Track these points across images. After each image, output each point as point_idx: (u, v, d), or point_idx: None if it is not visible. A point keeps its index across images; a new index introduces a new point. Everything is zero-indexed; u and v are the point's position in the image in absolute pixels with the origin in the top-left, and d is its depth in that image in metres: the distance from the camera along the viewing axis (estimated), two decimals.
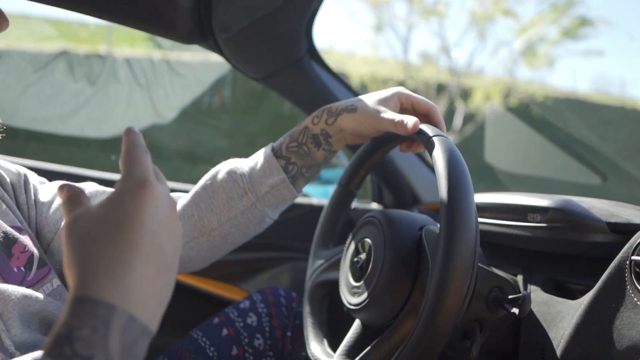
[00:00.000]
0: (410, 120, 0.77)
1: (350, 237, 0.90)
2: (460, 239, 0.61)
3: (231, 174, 0.87)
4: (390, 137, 0.88)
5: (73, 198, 0.48)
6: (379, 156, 0.94)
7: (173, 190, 0.96)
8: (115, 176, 1.38)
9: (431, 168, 1.41)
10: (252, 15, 1.02)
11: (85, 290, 0.40)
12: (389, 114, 0.81)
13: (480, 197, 0.97)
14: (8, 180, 0.78)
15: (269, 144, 0.91)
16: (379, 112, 0.82)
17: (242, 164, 0.88)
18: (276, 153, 0.88)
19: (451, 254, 0.60)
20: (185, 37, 1.12)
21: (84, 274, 0.41)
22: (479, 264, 0.71)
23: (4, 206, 0.74)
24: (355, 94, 1.28)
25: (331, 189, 2.11)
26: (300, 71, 1.20)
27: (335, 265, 0.94)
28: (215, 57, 1.21)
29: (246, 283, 1.42)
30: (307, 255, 1.47)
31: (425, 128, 0.75)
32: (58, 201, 0.83)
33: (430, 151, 0.71)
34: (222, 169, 0.88)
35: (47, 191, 0.84)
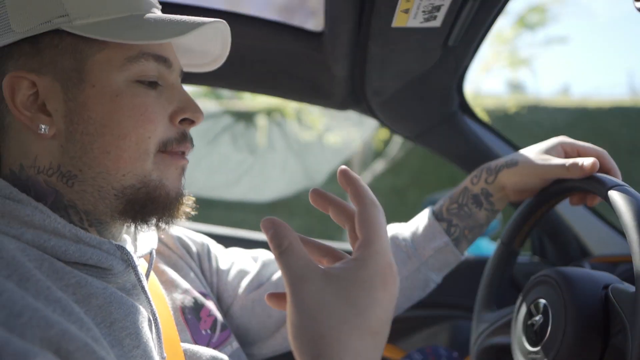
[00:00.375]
0: (586, 160, 0.73)
1: (520, 297, 0.84)
2: None
3: (393, 239, 0.88)
4: (557, 191, 0.83)
5: (278, 234, 0.44)
6: (544, 211, 0.89)
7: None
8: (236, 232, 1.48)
9: (600, 217, 1.27)
10: (405, 78, 1.06)
11: None
12: (557, 160, 0.77)
13: None
14: (195, 250, 0.87)
15: (428, 208, 0.91)
16: (544, 160, 0.79)
17: (402, 229, 0.89)
18: (437, 216, 0.87)
19: None
20: (340, 104, 1.19)
21: (319, 352, 0.40)
22: None
23: (192, 274, 0.82)
24: (514, 146, 1.23)
25: (483, 243, 2.00)
26: (453, 127, 1.20)
27: (503, 328, 0.88)
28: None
29: (403, 341, 1.39)
30: (464, 313, 1.41)
31: (600, 177, 0.69)
32: (235, 268, 0.90)
33: (612, 202, 0.65)
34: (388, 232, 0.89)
35: (226, 259, 0.92)
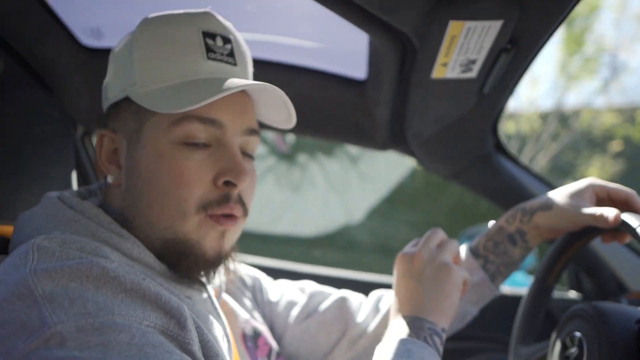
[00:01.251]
0: (610, 212, 0.78)
1: (556, 330, 0.88)
2: None
3: None
4: (590, 229, 0.87)
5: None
6: (578, 248, 0.92)
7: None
8: (323, 270, 1.55)
9: (637, 253, 1.29)
10: (443, 122, 1.13)
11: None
12: (587, 209, 0.82)
13: None
14: (249, 282, 0.95)
15: (465, 244, 0.96)
16: (576, 207, 0.84)
17: None
18: (474, 253, 0.92)
19: None
20: (382, 145, 1.27)
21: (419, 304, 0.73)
22: None
23: (249, 304, 0.90)
24: (548, 184, 1.27)
25: (519, 277, 2.01)
26: (488, 166, 1.26)
27: None
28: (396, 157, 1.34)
29: None
30: (500, 346, 1.42)
31: (629, 217, 0.74)
32: (285, 300, 0.97)
33: None
34: None
35: (275, 291, 0.99)
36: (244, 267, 0.97)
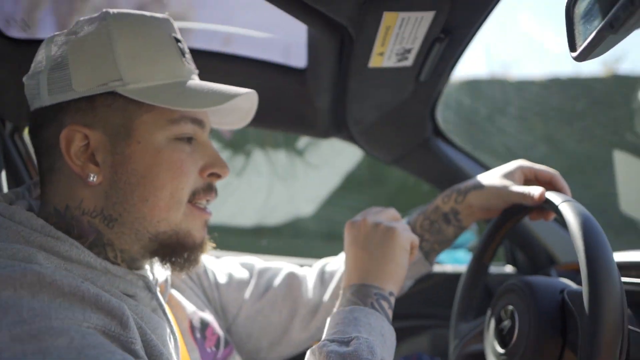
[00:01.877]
0: (536, 190, 0.84)
1: (491, 305, 0.93)
2: (605, 300, 0.63)
3: None
4: (520, 209, 0.92)
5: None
6: (509, 227, 0.97)
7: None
8: (266, 258, 1.55)
9: (565, 228, 1.37)
10: (382, 109, 1.16)
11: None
12: (516, 187, 0.88)
13: (624, 256, 0.95)
14: (195, 274, 0.94)
15: (404, 220, 0.99)
16: (506, 186, 0.89)
17: None
18: (412, 230, 0.96)
19: (598, 316, 0.63)
20: (324, 133, 1.29)
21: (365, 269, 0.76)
22: (632, 327, 0.70)
23: (194, 295, 0.89)
24: (483, 166, 1.33)
25: (460, 254, 2.09)
26: (428, 151, 1.30)
27: (478, 336, 0.96)
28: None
29: None
30: (444, 322, 1.48)
31: (552, 196, 0.79)
32: (234, 281, 0.97)
33: (562, 217, 0.74)
34: None
35: (222, 272, 0.99)
36: None
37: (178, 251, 0.72)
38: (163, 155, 0.69)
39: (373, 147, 1.31)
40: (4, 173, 1.03)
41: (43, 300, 0.52)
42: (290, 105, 1.23)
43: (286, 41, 1.17)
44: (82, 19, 0.71)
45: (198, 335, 0.81)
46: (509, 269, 1.52)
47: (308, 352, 0.66)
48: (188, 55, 0.74)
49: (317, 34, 0.95)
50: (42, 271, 0.53)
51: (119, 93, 0.67)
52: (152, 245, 0.70)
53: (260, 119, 1.30)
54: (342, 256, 1.01)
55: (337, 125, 1.27)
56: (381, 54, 0.90)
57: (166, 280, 0.80)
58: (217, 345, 0.84)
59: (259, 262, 1.03)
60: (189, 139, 0.72)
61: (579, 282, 1.01)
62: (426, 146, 1.29)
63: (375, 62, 0.92)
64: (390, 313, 0.74)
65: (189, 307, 0.84)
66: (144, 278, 0.70)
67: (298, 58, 1.15)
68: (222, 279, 0.98)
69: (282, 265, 1.03)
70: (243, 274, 0.99)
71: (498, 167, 0.95)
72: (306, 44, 1.08)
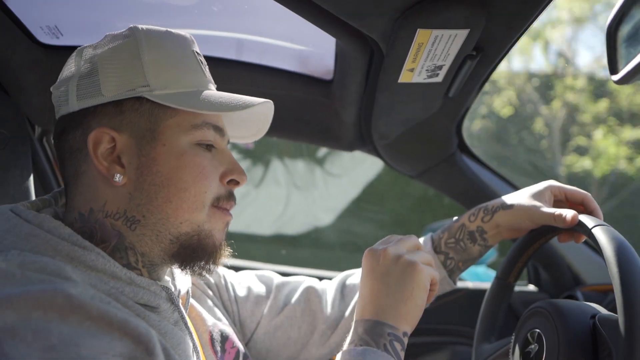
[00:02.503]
0: (568, 213, 0.82)
1: (517, 328, 0.91)
2: None
3: None
4: (549, 229, 0.90)
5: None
6: (536, 248, 0.95)
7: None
8: (285, 268, 1.55)
9: (592, 248, 1.35)
10: (408, 124, 1.15)
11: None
12: (546, 208, 0.86)
13: None
14: (213, 281, 0.94)
15: (428, 236, 0.98)
16: (535, 206, 0.87)
17: None
18: (435, 248, 0.95)
19: (635, 348, 0.61)
20: (348, 145, 1.28)
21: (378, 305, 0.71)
22: None
23: (215, 307, 0.89)
24: (510, 183, 1.31)
25: (480, 270, 2.07)
26: (453, 166, 1.29)
27: (502, 357, 0.94)
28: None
29: None
30: (465, 339, 1.47)
31: (585, 219, 0.77)
32: (253, 295, 0.97)
33: (595, 241, 0.73)
34: None
35: (241, 286, 0.98)
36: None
37: (198, 254, 0.72)
38: (186, 159, 0.71)
39: (397, 161, 1.30)
40: (32, 177, 1.04)
41: (72, 324, 0.52)
42: (315, 117, 1.23)
43: (314, 52, 1.17)
44: (111, 33, 0.74)
45: (218, 348, 0.80)
46: (531, 287, 1.49)
47: None
48: (207, 69, 0.78)
49: (346, 48, 0.94)
50: (71, 293, 0.54)
51: (146, 98, 0.70)
52: (172, 247, 0.71)
53: (285, 130, 1.31)
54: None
55: (361, 139, 1.26)
56: (411, 70, 0.89)
57: (187, 292, 0.80)
58: (236, 359, 0.83)
59: (277, 276, 1.03)
60: (209, 146, 0.74)
61: (607, 306, 0.99)
62: (451, 161, 1.28)
63: (404, 77, 0.92)
64: (402, 355, 0.71)
65: (209, 319, 0.83)
66: (167, 289, 0.71)
67: (325, 70, 1.15)
68: (241, 293, 0.97)
69: (301, 279, 1.02)
70: (261, 288, 0.99)
71: (527, 187, 0.93)
72: (334, 56, 1.08)
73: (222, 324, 0.85)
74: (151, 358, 0.56)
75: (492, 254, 1.81)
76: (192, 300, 0.84)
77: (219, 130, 0.75)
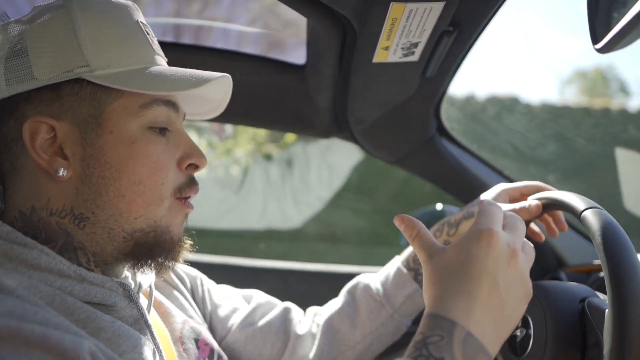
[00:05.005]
0: (531, 203, 0.85)
1: None
2: (632, 319, 0.59)
3: (367, 289, 0.94)
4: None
5: (409, 225, 0.62)
6: None
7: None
8: (267, 263, 1.51)
9: (575, 229, 1.34)
10: (385, 107, 1.11)
11: (437, 309, 0.54)
12: (508, 206, 0.87)
13: None
14: (188, 281, 0.90)
15: (395, 257, 0.98)
16: None
17: (374, 279, 0.96)
18: (405, 266, 0.94)
19: (624, 335, 0.59)
20: (324, 132, 1.24)
21: (438, 297, 0.55)
22: None
23: (187, 304, 0.85)
24: (490, 166, 1.29)
25: None
26: (432, 150, 1.25)
27: None
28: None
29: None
30: None
31: (576, 201, 0.75)
32: (228, 304, 0.94)
33: (586, 225, 0.70)
34: (358, 285, 0.96)
35: (218, 294, 0.95)
36: (181, 265, 0.92)
37: (154, 251, 0.66)
38: (138, 147, 0.64)
39: (375, 147, 1.26)
40: None
41: None
42: (288, 104, 1.18)
43: (284, 36, 1.13)
44: (40, 4, 0.66)
45: (190, 345, 0.76)
46: None
47: None
48: (156, 41, 0.70)
49: (317, 28, 0.90)
50: None
51: (85, 80, 0.62)
52: (126, 246, 0.65)
53: (257, 118, 1.26)
54: (332, 303, 0.98)
55: (337, 125, 1.22)
56: (386, 48, 0.85)
57: (150, 287, 0.74)
58: (211, 357, 0.79)
59: (261, 296, 1.00)
60: (163, 130, 0.67)
61: (592, 286, 0.98)
62: (431, 145, 1.24)
63: (379, 57, 0.88)
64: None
65: (180, 315, 0.79)
66: (124, 286, 0.65)
67: (297, 54, 1.10)
68: (216, 299, 0.94)
69: (281, 303, 0.99)
70: (239, 302, 0.96)
71: (482, 194, 0.96)
72: (306, 38, 1.03)
73: (193, 322, 0.81)
74: None
75: None
76: (161, 297, 0.79)
77: (172, 105, 0.68)
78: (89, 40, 0.62)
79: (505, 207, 0.86)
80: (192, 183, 0.70)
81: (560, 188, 0.89)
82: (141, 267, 0.67)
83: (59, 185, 0.63)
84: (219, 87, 0.74)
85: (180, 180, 0.68)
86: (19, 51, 0.62)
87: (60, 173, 0.62)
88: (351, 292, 0.96)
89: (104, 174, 0.63)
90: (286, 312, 0.95)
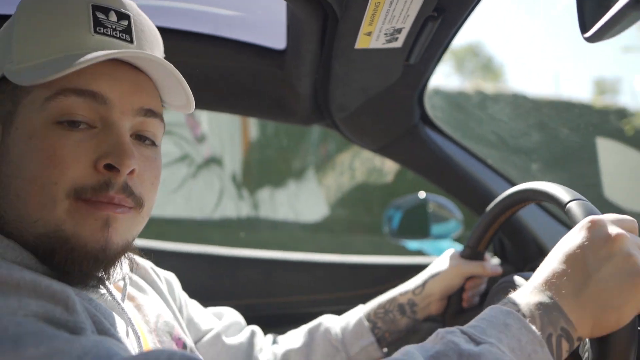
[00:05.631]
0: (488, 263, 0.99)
1: (486, 304, 0.88)
2: None
3: (326, 333, 0.97)
4: (519, 199, 0.87)
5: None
6: (507, 217, 0.94)
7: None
8: (248, 252, 1.48)
9: (556, 218, 1.34)
10: (368, 94, 1.08)
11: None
12: (470, 263, 0.99)
13: None
14: (165, 282, 0.88)
15: (359, 306, 1.02)
16: (459, 263, 0.99)
17: (335, 323, 0.99)
18: (367, 317, 0.98)
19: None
20: (305, 119, 1.21)
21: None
22: None
23: (161, 300, 0.83)
24: (473, 155, 1.27)
25: (445, 244, 2.06)
26: (415, 138, 1.23)
27: None
28: None
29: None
30: (433, 315, 1.44)
31: (560, 192, 0.74)
32: (200, 317, 0.93)
33: (570, 216, 0.69)
34: (320, 327, 0.99)
35: (191, 305, 0.94)
36: (156, 267, 0.90)
37: (67, 263, 0.58)
38: (34, 142, 0.58)
39: (357, 134, 1.23)
40: None
41: None
42: (268, 90, 1.14)
43: (264, 20, 1.08)
44: None
45: (164, 338, 0.74)
46: (496, 260, 1.47)
47: (434, 333, 0.57)
48: (109, 26, 0.62)
49: (297, 12, 0.86)
50: None
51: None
52: (41, 254, 0.58)
53: (236, 105, 1.22)
54: (292, 337, 1.00)
55: (319, 112, 1.18)
56: (369, 33, 0.82)
57: (124, 280, 0.72)
58: (183, 349, 0.78)
59: (231, 312, 1.01)
60: (74, 123, 0.59)
61: None
62: (414, 134, 1.22)
63: (362, 42, 0.84)
64: None
65: (154, 309, 0.77)
66: (96, 277, 0.64)
67: (276, 38, 1.06)
68: (190, 308, 0.93)
69: (248, 326, 1.01)
70: (210, 316, 0.97)
71: (445, 253, 1.04)
72: (286, 23, 0.99)
73: (167, 317, 0.79)
74: (72, 316, 0.51)
75: (456, 227, 1.79)
76: (134, 291, 0.77)
77: (92, 95, 0.59)
78: (19, 34, 0.61)
79: (470, 263, 1.00)
80: (101, 188, 0.59)
81: (543, 178, 0.88)
82: (59, 276, 0.59)
83: None
84: (168, 76, 0.64)
85: (85, 182, 0.58)
86: None
87: None
88: (311, 333, 0.99)
89: (7, 172, 0.60)
90: (252, 335, 0.97)
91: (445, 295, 0.99)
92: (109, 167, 0.59)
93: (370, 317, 0.98)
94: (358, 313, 1.00)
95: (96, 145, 0.59)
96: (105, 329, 0.56)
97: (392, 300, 0.99)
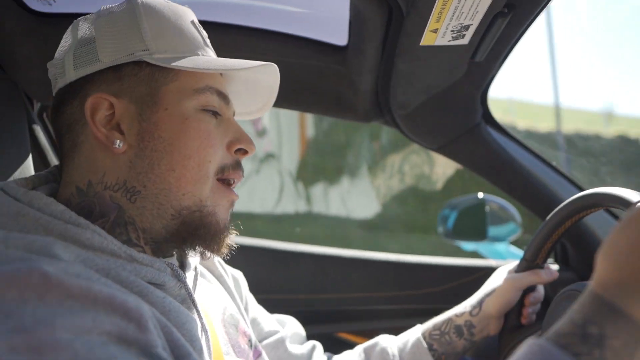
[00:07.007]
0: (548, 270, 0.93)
1: (547, 313, 0.85)
2: None
3: (383, 353, 0.96)
4: (581, 207, 0.83)
5: None
6: (567, 227, 0.89)
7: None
8: (303, 247, 1.49)
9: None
10: (430, 92, 1.06)
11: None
12: (522, 274, 0.93)
13: None
14: (232, 278, 0.91)
15: (417, 326, 0.99)
16: (513, 277, 0.94)
17: (392, 343, 0.98)
18: (425, 338, 0.96)
19: None
20: (365, 117, 1.20)
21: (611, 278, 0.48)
22: None
23: (227, 293, 0.86)
24: (537, 155, 1.22)
25: (501, 247, 1.99)
26: (477, 138, 1.20)
27: None
28: None
29: None
30: None
31: (627, 193, 0.71)
32: (264, 319, 0.95)
33: None
34: (376, 347, 0.98)
35: (256, 305, 0.96)
36: (224, 264, 0.92)
37: (200, 232, 0.68)
38: (191, 124, 0.67)
39: (417, 133, 1.21)
40: (30, 157, 0.98)
41: (51, 303, 0.48)
42: (328, 86, 1.14)
43: (326, 16, 1.08)
44: (106, 6, 0.72)
45: (231, 330, 0.77)
46: (555, 267, 1.41)
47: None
48: (208, 41, 0.76)
49: (362, 8, 0.86)
50: (48, 270, 0.49)
51: (145, 62, 0.67)
52: (174, 223, 0.67)
53: (296, 101, 1.23)
54: (348, 357, 1.00)
55: (379, 109, 1.17)
56: (435, 30, 0.80)
57: (196, 269, 0.76)
58: (249, 344, 0.79)
59: (293, 321, 1.02)
60: (214, 113, 0.71)
61: None
62: (475, 133, 1.19)
63: (427, 40, 0.83)
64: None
65: (222, 301, 0.80)
66: (171, 266, 0.66)
67: (338, 35, 1.06)
68: (255, 307, 0.95)
69: (310, 341, 1.01)
70: (273, 320, 0.98)
71: (498, 270, 1.00)
72: (348, 19, 0.99)
73: (232, 310, 0.81)
74: (144, 335, 0.52)
75: (514, 230, 1.73)
76: (205, 283, 0.80)
77: (223, 97, 0.72)
78: (149, 30, 0.68)
79: (523, 275, 0.93)
80: (237, 166, 0.72)
81: (613, 183, 0.83)
82: (187, 248, 0.69)
83: (115, 159, 0.66)
84: (266, 81, 0.78)
85: (225, 161, 0.70)
86: (87, 40, 0.68)
87: (117, 145, 0.65)
88: (367, 352, 0.99)
89: (157, 147, 0.66)
90: (313, 349, 0.98)
91: (503, 312, 0.95)
92: (239, 150, 0.72)
93: (425, 338, 0.97)
94: (416, 333, 0.98)
95: (225, 132, 0.71)
96: (175, 339, 0.57)
97: (448, 321, 0.96)
